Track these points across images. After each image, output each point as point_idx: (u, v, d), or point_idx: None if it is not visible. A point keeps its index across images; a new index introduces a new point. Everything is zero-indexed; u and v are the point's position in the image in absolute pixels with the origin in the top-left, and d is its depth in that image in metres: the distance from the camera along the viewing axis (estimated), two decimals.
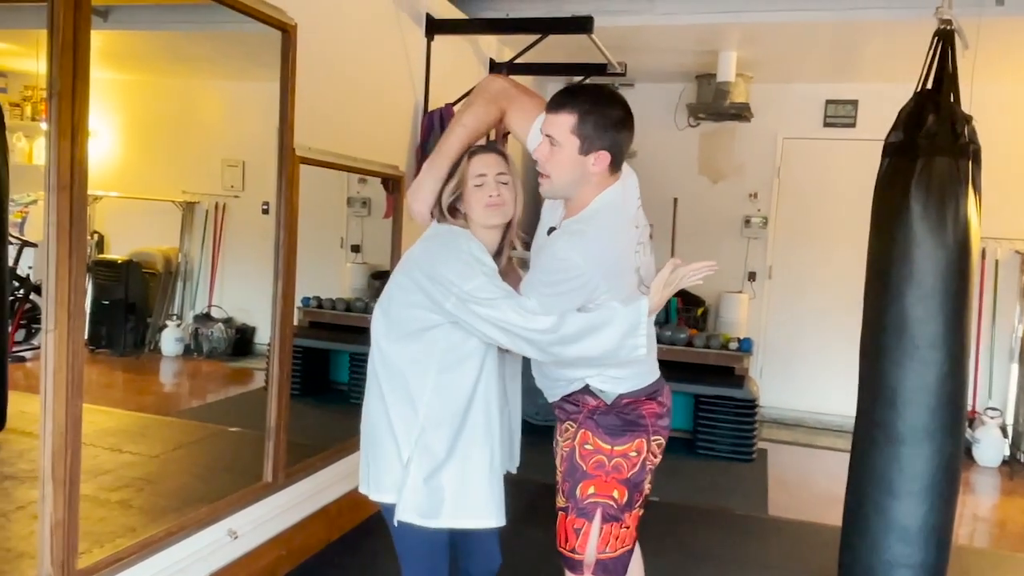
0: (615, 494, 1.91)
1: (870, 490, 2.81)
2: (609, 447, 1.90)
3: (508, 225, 1.97)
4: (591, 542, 1.91)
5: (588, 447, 1.92)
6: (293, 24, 2.81)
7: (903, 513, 2.74)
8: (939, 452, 2.70)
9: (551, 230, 1.96)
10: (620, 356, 1.79)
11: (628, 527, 1.94)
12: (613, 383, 1.90)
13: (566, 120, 1.79)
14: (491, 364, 1.89)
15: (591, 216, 1.86)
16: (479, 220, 1.91)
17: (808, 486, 4.73)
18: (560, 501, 1.98)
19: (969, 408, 5.42)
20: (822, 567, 3.28)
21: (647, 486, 1.99)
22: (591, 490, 1.90)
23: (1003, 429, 5.29)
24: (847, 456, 2.99)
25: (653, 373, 2.00)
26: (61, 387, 1.96)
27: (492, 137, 4.93)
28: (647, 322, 1.78)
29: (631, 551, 1.99)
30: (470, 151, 1.95)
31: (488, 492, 1.89)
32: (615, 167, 1.87)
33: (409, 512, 1.87)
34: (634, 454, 1.91)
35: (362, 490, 1.99)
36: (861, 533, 2.85)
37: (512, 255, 2.08)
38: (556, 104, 1.82)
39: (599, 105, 1.81)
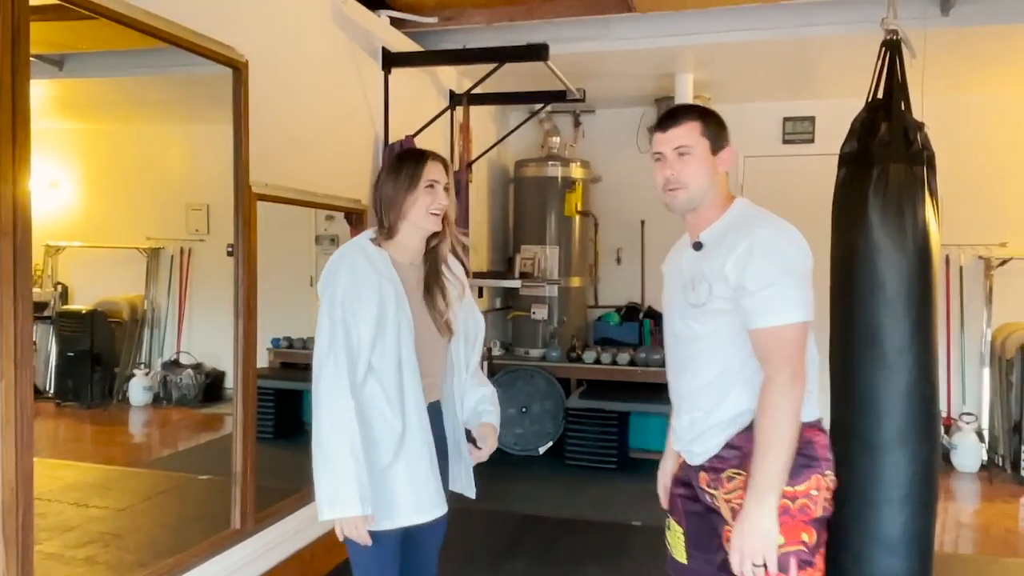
0: (804, 537, 1.74)
1: (848, 501, 2.77)
2: (792, 489, 1.72)
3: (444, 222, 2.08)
4: None
5: None
6: (244, 61, 2.80)
7: (883, 522, 2.71)
8: (914, 458, 2.69)
9: (697, 244, 1.92)
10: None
11: (820, 570, 1.79)
12: None
13: (692, 126, 1.86)
14: (396, 376, 1.97)
15: (757, 209, 1.93)
16: (417, 222, 2.01)
17: None
18: None
19: (945, 414, 5.45)
20: None
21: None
22: (780, 540, 1.71)
23: (979, 434, 5.32)
24: None
25: (817, 405, 1.86)
26: (10, 441, 1.89)
27: (456, 168, 4.94)
28: None
29: None
30: (427, 155, 2.06)
31: (435, 485, 2.00)
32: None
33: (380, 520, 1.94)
34: (815, 492, 1.76)
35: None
36: (844, 546, 2.81)
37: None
38: (673, 118, 1.89)
39: (710, 112, 1.92)
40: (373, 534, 1.92)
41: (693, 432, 1.88)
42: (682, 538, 1.96)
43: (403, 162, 2.05)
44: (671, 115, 1.89)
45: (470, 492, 2.22)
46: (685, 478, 1.96)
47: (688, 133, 1.85)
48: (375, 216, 2.07)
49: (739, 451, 1.80)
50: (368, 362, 1.93)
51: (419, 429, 1.98)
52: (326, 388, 1.91)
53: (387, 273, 1.98)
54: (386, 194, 2.02)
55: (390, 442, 1.95)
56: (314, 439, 1.92)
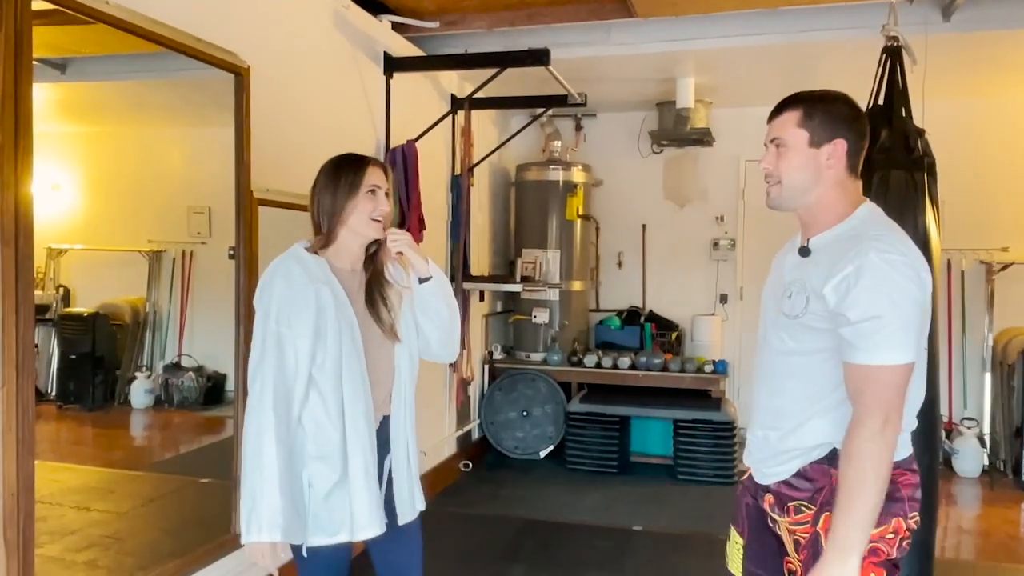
0: None
1: None
2: None
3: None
4: None
5: None
6: (246, 67, 2.80)
7: None
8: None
9: (804, 250, 1.72)
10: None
11: None
12: None
13: (790, 116, 1.70)
14: (332, 388, 1.91)
15: (879, 222, 1.66)
16: (358, 228, 1.97)
17: None
18: None
19: (946, 419, 5.45)
20: None
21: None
22: None
23: (980, 439, 5.31)
24: None
25: (911, 442, 1.66)
26: (11, 446, 1.90)
27: (458, 172, 4.95)
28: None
29: None
30: (367, 160, 2.01)
31: (373, 502, 1.93)
32: (853, 169, 1.70)
33: (317, 535, 1.92)
34: (891, 535, 1.59)
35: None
36: None
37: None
38: (777, 108, 1.75)
39: (825, 99, 1.71)
40: (317, 550, 1.91)
41: (766, 451, 1.75)
42: (741, 551, 1.85)
43: (342, 167, 1.98)
44: (779, 104, 1.75)
45: (409, 515, 2.06)
46: (754, 490, 1.83)
47: (783, 124, 1.71)
48: (313, 222, 2.01)
49: (812, 484, 1.67)
50: (308, 373, 1.87)
51: (358, 440, 1.90)
52: (251, 405, 1.84)
53: (324, 277, 1.91)
54: (325, 200, 1.95)
55: (335, 456, 1.88)
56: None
